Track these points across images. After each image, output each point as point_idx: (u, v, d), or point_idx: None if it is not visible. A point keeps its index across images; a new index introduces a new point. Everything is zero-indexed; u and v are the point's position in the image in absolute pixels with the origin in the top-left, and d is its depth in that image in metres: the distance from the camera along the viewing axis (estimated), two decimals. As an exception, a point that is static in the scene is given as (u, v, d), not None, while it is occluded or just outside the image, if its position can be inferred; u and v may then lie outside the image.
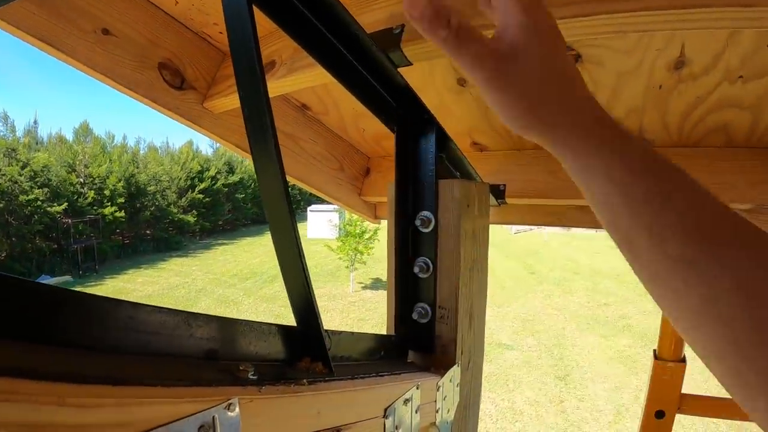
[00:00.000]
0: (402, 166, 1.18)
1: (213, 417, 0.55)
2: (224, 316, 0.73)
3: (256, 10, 0.75)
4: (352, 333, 0.98)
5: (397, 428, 0.94)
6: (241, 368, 0.67)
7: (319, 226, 47.13)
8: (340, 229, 33.56)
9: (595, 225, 2.11)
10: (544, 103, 0.61)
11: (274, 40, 1.45)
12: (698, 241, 0.50)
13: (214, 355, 0.69)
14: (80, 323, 0.53)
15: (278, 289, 30.11)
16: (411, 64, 1.10)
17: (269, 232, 0.80)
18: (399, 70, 1.10)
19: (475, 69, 0.60)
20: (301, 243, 0.79)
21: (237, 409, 0.58)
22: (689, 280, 0.50)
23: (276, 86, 1.41)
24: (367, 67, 1.03)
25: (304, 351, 0.83)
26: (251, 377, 0.66)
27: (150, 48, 1.48)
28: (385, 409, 0.91)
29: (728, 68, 1.27)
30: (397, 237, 1.18)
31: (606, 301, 27.07)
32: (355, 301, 28.07)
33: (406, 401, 0.97)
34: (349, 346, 0.97)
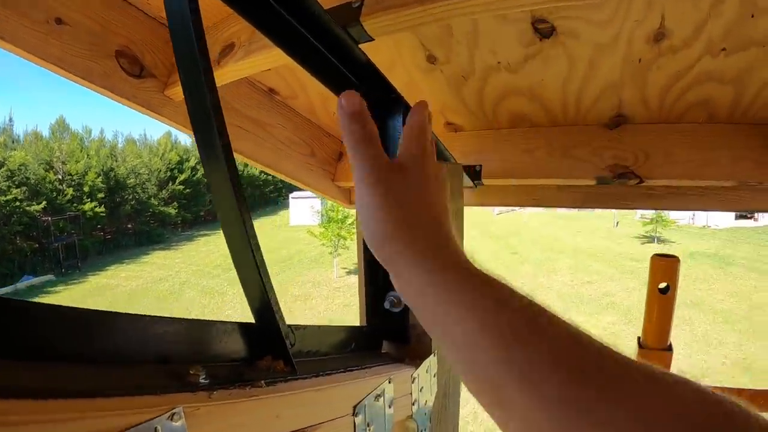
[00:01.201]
0: (368, 149, 1.12)
1: (155, 429, 0.50)
2: (179, 317, 0.68)
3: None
4: (319, 326, 0.93)
5: (368, 425, 0.89)
6: (191, 372, 0.62)
7: (302, 212, 47.35)
8: (322, 215, 33.69)
9: (574, 204, 2.08)
10: (414, 221, 0.62)
11: (233, 21, 1.40)
12: (577, 378, 0.42)
13: (165, 359, 0.64)
14: (12, 331, 0.48)
15: (263, 278, 30.11)
16: (372, 39, 1.04)
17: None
18: (363, 47, 1.05)
19: (371, 169, 0.66)
20: (255, 235, 0.73)
21: (182, 419, 0.53)
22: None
23: (235, 69, 1.36)
24: (326, 45, 0.97)
25: (265, 349, 0.78)
26: (202, 381, 0.61)
27: (106, 36, 1.42)
28: (354, 407, 0.86)
29: (710, 40, 1.23)
30: (364, 223, 1.13)
31: (589, 279, 27.42)
32: (340, 287, 28.20)
33: (377, 396, 0.92)
34: (315, 341, 0.92)
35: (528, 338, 0.46)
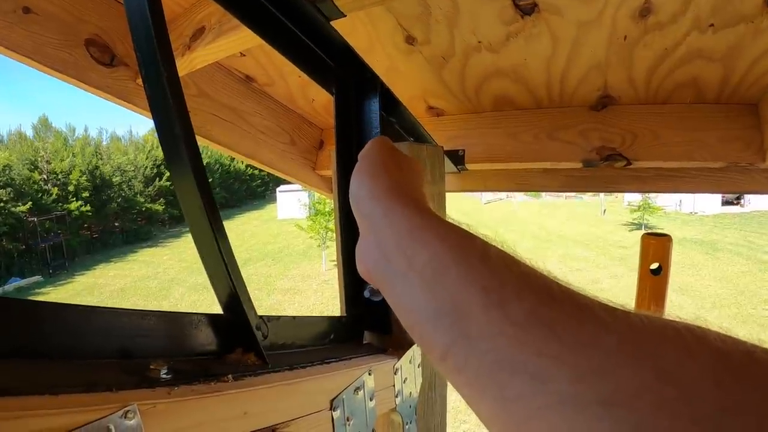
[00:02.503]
0: (343, 132, 1.07)
1: (107, 428, 0.47)
2: (144, 309, 0.65)
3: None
4: (294, 317, 0.89)
5: (348, 420, 0.85)
6: (152, 367, 0.58)
7: (289, 206, 47.49)
8: (310, 208, 33.74)
9: (561, 188, 2.06)
10: (401, 185, 0.65)
11: (205, 5, 1.36)
12: (551, 301, 0.38)
13: (128, 353, 0.61)
14: None
15: (251, 272, 30.28)
16: (344, 15, 1.00)
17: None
18: (341, 30, 1.01)
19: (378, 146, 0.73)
20: (220, 222, 0.69)
21: (137, 417, 0.50)
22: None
23: (205, 53, 1.33)
24: (296, 23, 0.93)
25: (236, 342, 0.74)
26: (163, 377, 0.58)
27: (76, 24, 1.41)
28: (332, 401, 0.82)
29: (698, 15, 1.19)
30: (342, 210, 1.09)
31: (578, 267, 27.63)
32: (329, 280, 28.27)
33: (356, 389, 0.88)
34: (291, 332, 0.88)
35: (498, 263, 0.44)
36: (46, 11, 1.33)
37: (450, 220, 0.55)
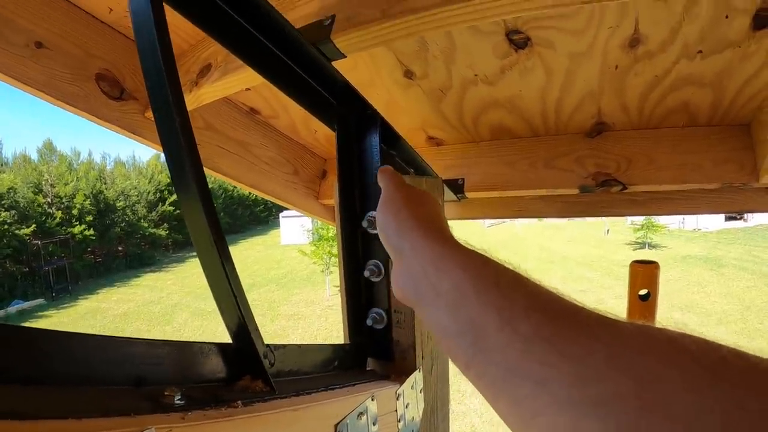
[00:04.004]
0: (346, 166, 1.12)
1: None
2: (157, 338, 0.68)
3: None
4: (299, 345, 0.92)
5: (352, 444, 0.89)
6: (166, 393, 0.62)
7: (292, 231, 47.35)
8: (313, 233, 33.63)
9: (559, 214, 2.10)
10: (424, 217, 0.74)
11: (211, 42, 1.39)
12: (552, 318, 0.45)
13: (142, 381, 0.64)
14: None
15: (255, 297, 30.08)
16: (345, 56, 1.05)
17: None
18: (343, 67, 1.05)
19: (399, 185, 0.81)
20: (228, 254, 0.73)
21: None
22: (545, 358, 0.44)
23: (212, 90, 1.36)
24: (299, 64, 0.98)
25: (244, 369, 0.77)
26: (177, 403, 0.61)
27: (86, 59, 1.43)
28: (336, 425, 0.85)
29: (686, 43, 1.24)
30: (344, 240, 1.13)
31: (582, 288, 27.44)
32: (333, 305, 28.08)
33: (360, 414, 0.92)
34: (296, 360, 0.91)
35: (509, 287, 0.51)
36: (58, 46, 1.35)
37: (468, 246, 0.63)
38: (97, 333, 0.60)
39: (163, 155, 0.75)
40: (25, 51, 1.28)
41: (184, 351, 0.71)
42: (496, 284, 0.52)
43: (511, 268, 0.56)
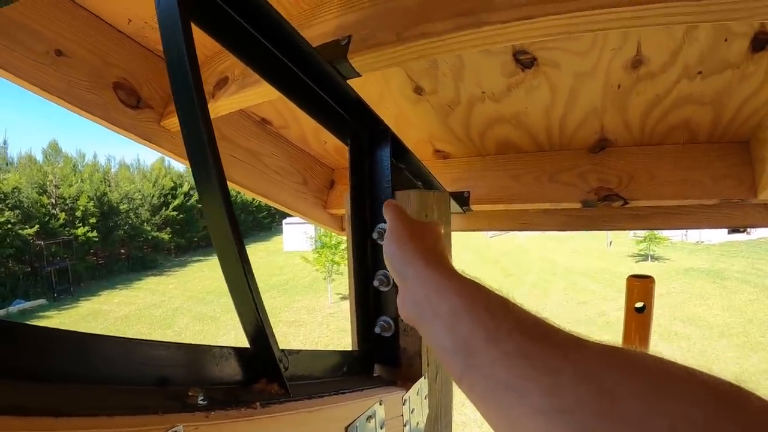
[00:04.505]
0: (357, 179, 1.16)
1: None
2: (177, 341, 0.71)
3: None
4: (311, 351, 0.96)
5: (360, 446, 0.92)
6: (190, 394, 0.65)
7: (295, 238, 47.11)
8: (316, 240, 33.52)
9: (562, 227, 2.12)
10: (426, 247, 0.82)
11: (227, 55, 1.43)
12: (532, 338, 0.52)
13: (165, 381, 0.67)
14: (26, 354, 0.52)
15: (257, 303, 29.75)
16: (360, 75, 1.09)
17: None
18: (353, 81, 1.09)
19: (404, 220, 0.89)
20: (249, 263, 0.77)
21: None
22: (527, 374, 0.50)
23: (229, 103, 1.40)
24: (316, 81, 1.02)
25: (260, 372, 0.81)
26: (200, 403, 0.65)
27: (104, 68, 1.46)
28: (347, 428, 0.89)
29: (687, 65, 1.28)
30: (355, 251, 1.17)
31: (584, 300, 27.29)
32: (334, 312, 27.92)
33: (369, 418, 0.95)
34: (308, 365, 0.95)
35: (497, 310, 0.58)
36: (77, 54, 1.38)
37: (464, 275, 0.70)
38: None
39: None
40: (46, 59, 1.31)
41: (205, 354, 0.74)
42: (486, 308, 0.59)
43: (500, 294, 0.63)
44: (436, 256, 0.78)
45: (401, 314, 0.78)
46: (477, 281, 0.68)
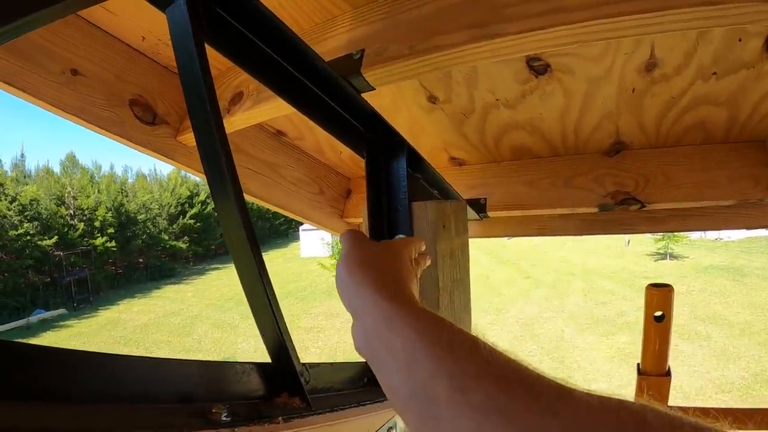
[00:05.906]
0: (374, 191, 1.17)
1: None
2: (199, 359, 0.73)
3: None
4: (332, 364, 0.97)
5: (382, 457, 0.93)
6: (213, 410, 0.66)
7: (312, 244, 47.14)
8: (332, 246, 33.47)
9: (579, 232, 2.12)
10: (380, 274, 0.74)
11: (241, 70, 1.44)
12: (506, 388, 0.44)
13: (189, 398, 0.68)
14: (51, 376, 0.53)
15: (275, 309, 29.81)
16: (374, 89, 1.10)
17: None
18: (370, 91, 1.10)
19: (355, 242, 0.81)
20: (269, 279, 0.78)
21: None
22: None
23: (244, 118, 1.41)
24: (330, 96, 1.03)
25: (281, 386, 0.82)
26: (224, 419, 0.66)
27: (119, 85, 1.48)
28: (368, 439, 0.90)
29: (701, 66, 1.28)
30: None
31: (603, 300, 27.02)
32: (352, 319, 27.88)
33: (389, 429, 0.96)
34: (329, 377, 0.96)
35: (461, 353, 0.50)
36: (93, 72, 1.39)
37: (424, 307, 0.62)
38: (145, 354, 0.65)
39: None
40: (61, 78, 1.33)
41: (227, 370, 0.76)
42: (450, 347, 0.51)
43: (465, 331, 0.54)
44: (392, 284, 0.71)
45: (355, 348, 0.70)
46: (437, 315, 0.59)
